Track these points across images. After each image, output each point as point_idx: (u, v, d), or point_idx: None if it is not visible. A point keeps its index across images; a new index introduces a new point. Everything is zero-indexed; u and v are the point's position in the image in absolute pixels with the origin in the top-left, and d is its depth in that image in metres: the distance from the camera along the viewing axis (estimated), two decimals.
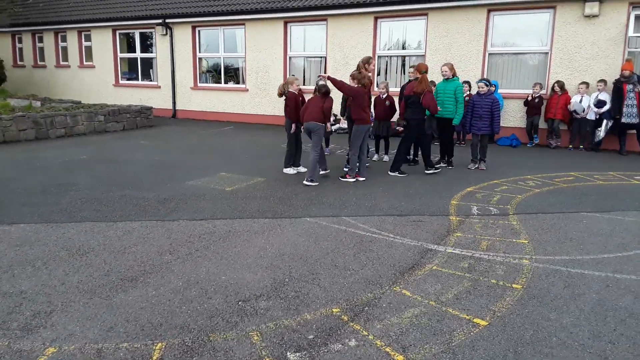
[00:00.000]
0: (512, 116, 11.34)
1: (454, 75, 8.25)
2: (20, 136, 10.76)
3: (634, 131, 9.77)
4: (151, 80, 17.04)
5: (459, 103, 8.17)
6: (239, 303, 3.34)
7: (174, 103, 16.38)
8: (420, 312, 3.27)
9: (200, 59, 15.90)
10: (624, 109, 9.68)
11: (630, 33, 9.68)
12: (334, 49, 13.25)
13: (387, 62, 12.91)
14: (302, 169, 7.73)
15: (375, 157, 9.07)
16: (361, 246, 4.50)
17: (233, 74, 15.49)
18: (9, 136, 10.53)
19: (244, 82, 15.03)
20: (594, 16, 10.12)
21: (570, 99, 10.30)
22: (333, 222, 5.21)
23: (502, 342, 2.90)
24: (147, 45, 16.92)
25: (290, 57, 14.23)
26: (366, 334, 2.97)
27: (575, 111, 10.16)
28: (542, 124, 10.87)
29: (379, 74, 12.91)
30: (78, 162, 8.27)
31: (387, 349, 2.81)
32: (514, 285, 3.71)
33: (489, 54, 11.46)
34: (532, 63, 11.25)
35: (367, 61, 7.51)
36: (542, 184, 7.14)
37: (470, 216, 5.55)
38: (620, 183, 7.26)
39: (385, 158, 8.98)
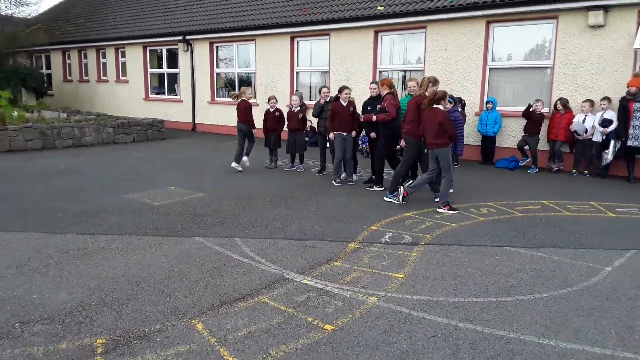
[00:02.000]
0: (513, 136, 10.50)
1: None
2: (27, 146, 11.44)
3: None
4: (175, 95, 17.63)
5: None
6: (16, 325, 3.22)
7: (194, 116, 16.84)
8: (189, 349, 2.98)
9: (217, 74, 16.25)
10: (630, 131, 8.65)
11: (637, 45, 8.65)
12: (336, 63, 13.04)
13: (388, 76, 12.47)
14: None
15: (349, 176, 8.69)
16: (215, 271, 4.25)
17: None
18: (15, 146, 11.23)
19: (255, 97, 15.13)
20: (599, 26, 9.18)
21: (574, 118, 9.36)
22: (218, 243, 4.99)
23: None
24: (172, 61, 17.57)
25: (297, 72, 14.17)
26: None
27: (576, 132, 9.22)
28: (543, 146, 9.93)
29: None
30: (51, 172, 8.62)
31: None
32: (325, 326, 3.31)
33: (490, 68, 10.73)
34: (535, 79, 10.39)
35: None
36: (496, 212, 6.48)
37: (374, 244, 5.11)
38: (590, 215, 6.43)
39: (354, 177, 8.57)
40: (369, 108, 8.04)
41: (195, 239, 5.13)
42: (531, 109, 9.63)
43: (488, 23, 10.50)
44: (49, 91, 22.28)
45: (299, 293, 3.85)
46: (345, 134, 8.19)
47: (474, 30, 10.64)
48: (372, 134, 7.99)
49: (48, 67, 22.81)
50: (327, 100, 8.71)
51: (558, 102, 9.58)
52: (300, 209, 6.41)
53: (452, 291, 3.95)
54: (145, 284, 3.96)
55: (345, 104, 8.18)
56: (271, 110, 9.58)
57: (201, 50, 16.14)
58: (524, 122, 9.93)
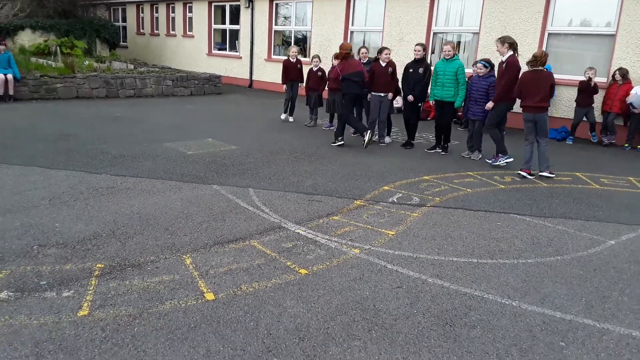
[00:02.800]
0: (567, 106, 9.97)
1: (455, 54, 7.58)
2: (92, 93, 12.36)
3: None
4: (236, 51, 18.07)
5: (460, 85, 7.52)
6: (34, 247, 3.75)
7: (251, 73, 17.24)
8: (172, 279, 3.36)
9: (275, 31, 16.43)
10: None
11: None
12: (391, 24, 12.79)
13: (442, 39, 12.09)
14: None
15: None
16: (219, 216, 4.61)
17: (301, 47, 15.77)
18: (82, 93, 12.17)
19: (307, 55, 15.23)
20: None
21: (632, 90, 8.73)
22: (231, 192, 5.34)
23: (209, 317, 2.90)
24: (234, 18, 17.93)
25: (351, 32, 14.06)
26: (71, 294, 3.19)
27: (631, 104, 8.62)
28: (596, 118, 9.38)
29: (433, 52, 12.17)
30: (107, 119, 9.36)
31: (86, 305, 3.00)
32: (300, 270, 3.57)
33: (549, 33, 10.12)
34: (595, 46, 9.70)
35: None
36: (520, 181, 6.36)
37: (380, 202, 5.25)
38: (621, 190, 6.14)
39: (387, 139, 8.60)
40: (411, 70, 7.96)
41: (213, 186, 5.51)
42: (587, 79, 9.08)
43: None
44: (123, 43, 23.57)
45: (289, 240, 4.12)
46: (382, 94, 8.21)
47: None
48: (410, 97, 7.94)
49: (124, 20, 24.00)
50: (366, 61, 8.68)
51: (617, 71, 8.95)
52: (321, 166, 6.62)
53: (436, 250, 4.06)
54: (155, 221, 4.39)
55: (384, 65, 8.16)
56: (314, 69, 9.70)
57: (261, 7, 16.34)
58: (577, 90, 9.39)
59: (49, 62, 14.21)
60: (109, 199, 4.90)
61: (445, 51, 7.56)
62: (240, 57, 17.62)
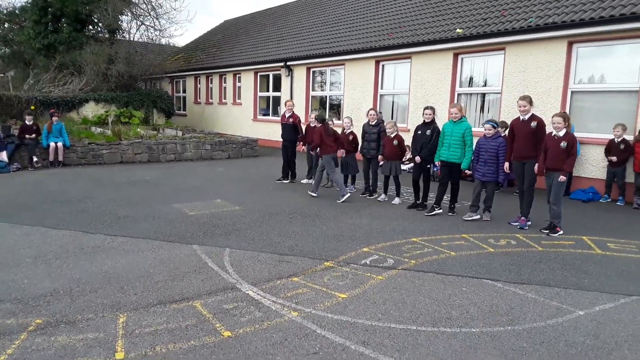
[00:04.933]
0: (594, 165, 9.45)
1: (462, 116, 7.56)
2: (135, 159, 13.32)
3: None
4: (277, 116, 18.90)
5: (467, 147, 7.44)
6: None
7: None
8: (95, 337, 3.48)
9: (312, 96, 17.11)
10: None
11: None
12: (416, 86, 12.98)
13: (466, 99, 12.05)
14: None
15: (382, 197, 8.72)
16: (180, 276, 4.73)
17: (336, 110, 16.27)
18: (126, 158, 13.15)
19: (340, 118, 15.64)
20: None
21: None
22: (207, 252, 5.49)
23: None
24: (276, 86, 18.93)
25: (381, 95, 14.37)
26: None
27: None
28: (630, 178, 8.79)
29: None
30: (136, 182, 10.01)
31: None
32: (224, 333, 3.57)
33: (572, 91, 9.83)
34: (619, 103, 9.26)
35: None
36: (516, 244, 6.04)
37: (350, 264, 5.18)
38: (625, 256, 5.66)
39: (397, 200, 8.53)
40: (419, 132, 8.00)
41: (193, 246, 5.70)
42: (617, 140, 8.66)
43: (570, 44, 9.68)
44: (182, 112, 25.39)
45: (232, 302, 4.15)
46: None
47: (554, 51, 9.89)
48: (417, 158, 7.93)
49: (184, 90, 25.99)
50: (374, 123, 8.82)
51: None
52: (311, 227, 6.65)
53: (379, 315, 3.91)
54: (115, 280, 4.59)
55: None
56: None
57: (299, 74, 17.18)
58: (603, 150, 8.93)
59: (106, 130, 15.55)
60: (88, 258, 5.19)
61: (452, 113, 7.55)
62: None
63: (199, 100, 24.55)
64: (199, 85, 24.55)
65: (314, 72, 16.99)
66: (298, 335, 3.56)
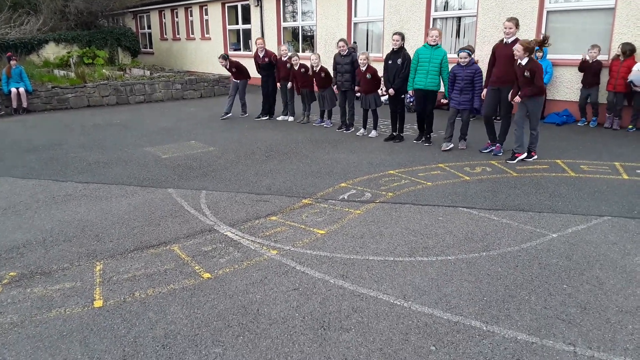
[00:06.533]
0: (568, 87, 9.44)
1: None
2: (103, 101, 12.83)
3: None
4: (249, 50, 18.23)
5: (444, 73, 7.31)
6: None
7: None
8: (72, 286, 3.45)
9: (284, 28, 16.46)
10: None
11: None
12: (390, 12, 12.53)
13: (442, 24, 11.71)
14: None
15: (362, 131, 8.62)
16: (157, 220, 4.67)
17: (309, 42, 15.74)
18: (93, 101, 12.66)
19: (315, 50, 15.16)
20: None
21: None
22: (182, 195, 5.41)
23: None
24: (246, 17, 18.09)
25: (355, 23, 13.88)
26: None
27: (632, 82, 8.05)
28: (602, 99, 8.82)
29: None
30: (104, 126, 9.68)
31: None
32: (204, 275, 3.57)
33: (547, 11, 9.60)
34: (595, 22, 9.11)
35: None
36: (491, 171, 6.09)
37: (329, 200, 5.17)
38: (598, 177, 5.77)
39: (373, 133, 8.45)
40: (390, 62, 7.78)
41: (168, 190, 5.60)
42: (584, 58, 8.58)
43: None
44: (149, 50, 24.29)
45: (210, 243, 4.13)
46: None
47: None
48: (390, 91, 7.77)
49: (149, 27, 24.71)
50: (345, 53, 8.55)
51: (619, 47, 8.37)
52: (288, 164, 6.58)
53: (357, 249, 3.95)
54: (90, 228, 4.51)
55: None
56: (295, 68, 9.59)
57: (269, 4, 16.40)
58: (578, 70, 8.88)
59: (69, 73, 14.83)
60: (60, 207, 5.07)
61: (432, 36, 7.31)
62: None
63: (165, 36, 23.45)
64: (164, 20, 23.34)
65: (284, 1, 16.22)
66: (277, 272, 3.59)
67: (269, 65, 10.07)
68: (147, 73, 16.64)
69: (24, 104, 11.46)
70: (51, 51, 17.44)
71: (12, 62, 11.39)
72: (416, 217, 4.62)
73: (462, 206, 4.87)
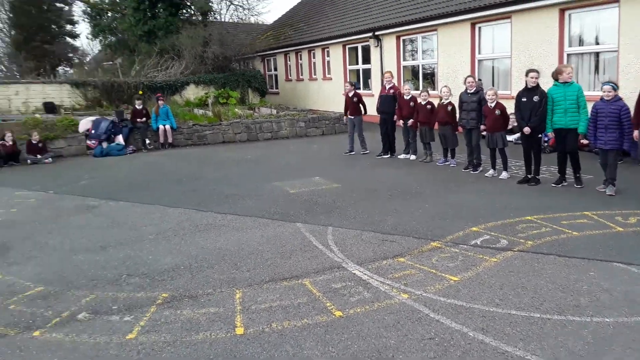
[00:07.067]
0: None
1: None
2: (236, 138, 13.86)
3: None
4: (369, 89, 18.63)
5: (582, 109, 6.85)
6: (123, 276, 4.39)
7: None
8: (216, 311, 3.66)
9: (404, 66, 16.61)
10: None
11: None
12: (518, 48, 12.05)
13: (577, 60, 10.97)
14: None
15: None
16: (287, 253, 4.83)
17: (429, 80, 15.67)
18: (227, 138, 13.73)
19: (436, 88, 15.02)
20: None
21: None
22: (310, 230, 5.55)
23: None
24: (366, 57, 18.59)
25: (479, 60, 13.56)
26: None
27: None
28: None
29: None
30: (237, 161, 10.42)
31: None
32: (336, 312, 3.58)
33: None
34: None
35: None
36: None
37: (460, 245, 4.96)
38: None
39: (504, 175, 8.00)
40: (524, 99, 7.42)
41: (297, 224, 5.79)
42: None
43: None
44: (275, 90, 25.91)
45: (340, 281, 4.15)
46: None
47: None
48: (526, 129, 7.34)
49: (276, 69, 26.45)
50: (473, 91, 8.33)
51: None
52: (413, 205, 6.47)
53: (497, 301, 3.70)
54: (229, 257, 4.79)
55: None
56: (422, 102, 9.56)
57: (389, 44, 16.71)
58: None
59: (207, 112, 16.31)
60: (202, 235, 5.48)
61: (566, 73, 6.95)
62: (373, 95, 18.05)
63: (290, 77, 24.85)
64: (289, 62, 24.81)
65: (404, 40, 16.41)
66: (411, 318, 3.48)
67: (392, 98, 10.13)
68: (274, 112, 17.69)
69: (170, 140, 12.76)
70: (191, 92, 19.36)
71: (160, 102, 12.83)
72: (563, 270, 4.22)
73: (617, 261, 4.37)
